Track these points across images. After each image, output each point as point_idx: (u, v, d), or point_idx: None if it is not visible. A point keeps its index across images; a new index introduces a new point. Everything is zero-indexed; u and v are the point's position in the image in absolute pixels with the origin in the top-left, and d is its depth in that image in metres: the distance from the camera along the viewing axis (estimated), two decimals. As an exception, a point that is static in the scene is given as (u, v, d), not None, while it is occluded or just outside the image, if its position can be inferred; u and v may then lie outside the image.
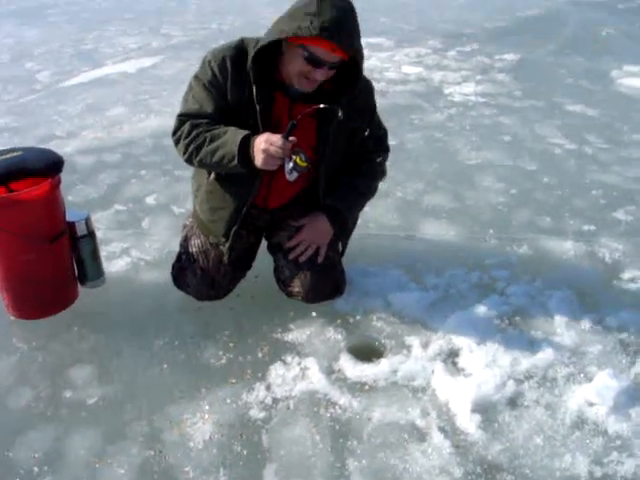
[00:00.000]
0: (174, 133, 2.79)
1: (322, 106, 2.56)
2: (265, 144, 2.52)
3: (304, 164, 2.59)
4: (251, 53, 2.64)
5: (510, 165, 4.77)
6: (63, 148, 4.96)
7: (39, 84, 6.97)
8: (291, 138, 2.52)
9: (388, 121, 3.03)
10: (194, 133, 2.70)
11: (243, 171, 2.65)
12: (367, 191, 3.12)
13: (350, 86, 2.74)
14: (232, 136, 2.61)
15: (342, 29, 2.45)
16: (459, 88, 6.51)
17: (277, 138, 2.52)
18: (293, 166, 2.60)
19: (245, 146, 2.57)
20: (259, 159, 2.55)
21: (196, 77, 2.77)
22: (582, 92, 6.46)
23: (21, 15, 10.16)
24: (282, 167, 2.64)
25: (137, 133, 5.42)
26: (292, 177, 2.66)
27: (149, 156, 4.97)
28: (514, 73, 7.02)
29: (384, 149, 3.14)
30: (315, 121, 2.77)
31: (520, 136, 5.32)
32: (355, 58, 2.59)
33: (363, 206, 3.18)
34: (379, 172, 3.13)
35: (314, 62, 2.54)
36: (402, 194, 4.21)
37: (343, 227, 3.14)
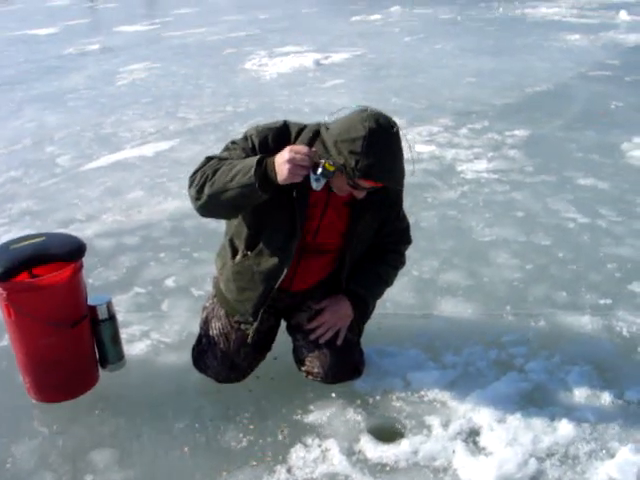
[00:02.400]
0: (195, 172, 2.70)
1: None
2: (290, 153, 2.46)
3: (332, 168, 2.52)
4: (293, 138, 2.70)
5: (524, 241, 4.80)
6: (83, 231, 5.04)
7: (59, 168, 7.10)
8: (313, 149, 2.55)
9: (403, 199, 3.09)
10: (215, 162, 2.65)
11: (258, 194, 2.53)
12: (389, 279, 3.19)
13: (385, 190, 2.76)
14: (250, 158, 2.57)
15: (386, 169, 2.52)
16: (471, 165, 6.57)
17: (302, 146, 2.52)
18: (322, 171, 2.52)
19: (263, 163, 2.53)
20: (284, 170, 2.46)
21: (234, 142, 2.78)
22: (593, 165, 6.51)
23: (42, 100, 10.39)
24: (302, 250, 2.65)
25: (155, 216, 5.49)
26: (319, 185, 2.57)
27: (167, 239, 5.03)
28: (525, 149, 7.09)
29: (407, 241, 3.22)
30: (348, 208, 2.82)
31: (533, 211, 5.35)
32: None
33: (383, 293, 3.22)
34: (401, 262, 3.21)
35: (356, 187, 2.62)
36: (418, 272, 4.24)
37: (363, 312, 3.18)
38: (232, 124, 8.19)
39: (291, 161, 2.45)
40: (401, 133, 2.56)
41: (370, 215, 2.88)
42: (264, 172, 2.52)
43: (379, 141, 2.49)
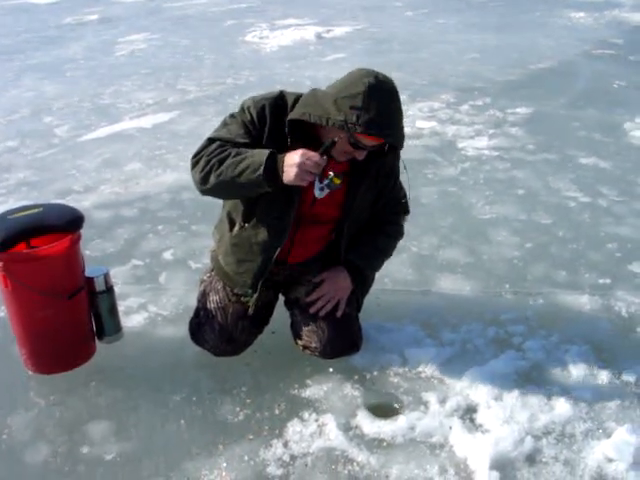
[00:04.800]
0: (197, 153, 2.71)
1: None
2: (301, 158, 2.48)
3: (339, 181, 2.58)
4: (290, 107, 2.69)
5: (524, 219, 4.78)
6: (81, 202, 5.01)
7: (57, 138, 7.06)
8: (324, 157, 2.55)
9: (402, 175, 3.06)
10: (219, 150, 2.64)
11: (263, 188, 2.59)
12: (387, 250, 3.17)
13: (383, 153, 2.76)
14: (259, 151, 2.58)
15: (388, 123, 2.52)
16: (472, 142, 6.54)
17: (314, 154, 2.52)
18: (328, 183, 2.58)
19: (272, 161, 2.54)
20: (292, 172, 2.50)
21: (232, 115, 2.78)
22: (595, 144, 6.48)
23: (40, 69, 10.32)
24: (299, 221, 2.65)
25: (154, 188, 5.47)
26: (321, 194, 2.64)
27: (166, 211, 5.01)
28: (527, 126, 7.06)
29: (405, 211, 3.19)
30: (346, 178, 2.79)
31: (534, 190, 5.33)
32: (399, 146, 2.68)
33: (382, 265, 3.21)
34: (399, 233, 3.18)
35: (358, 147, 2.60)
36: (417, 249, 4.22)
37: (362, 284, 3.17)
38: (232, 97, 8.13)
39: (301, 166, 2.49)
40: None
41: (367, 185, 2.87)
42: (273, 168, 2.54)
43: (379, 96, 2.50)
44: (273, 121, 2.70)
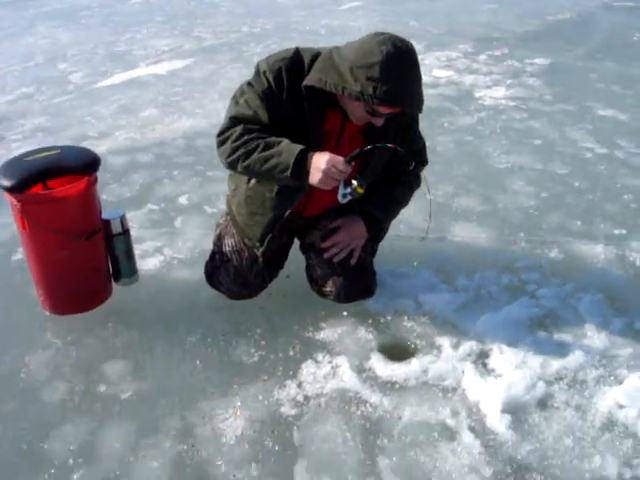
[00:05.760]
0: (222, 132, 2.72)
1: (377, 145, 2.58)
2: (327, 164, 2.49)
3: (361, 191, 2.60)
4: (307, 68, 2.63)
5: (540, 169, 4.76)
6: (96, 148, 4.90)
7: (72, 85, 7.05)
8: (351, 164, 2.54)
9: (419, 126, 3.05)
10: (246, 137, 2.64)
11: (290, 183, 2.63)
12: (403, 200, 3.15)
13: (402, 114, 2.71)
14: (288, 147, 2.57)
15: (405, 94, 2.46)
16: (490, 92, 6.50)
17: (340, 161, 2.50)
18: (350, 191, 2.60)
19: (302, 160, 2.55)
20: (316, 177, 2.52)
21: (249, 84, 2.72)
22: (613, 96, 6.42)
23: (55, 17, 10.27)
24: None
25: (169, 134, 5.46)
26: (344, 200, 2.67)
27: (181, 157, 5.01)
28: (545, 77, 6.99)
29: (423, 161, 3.16)
30: (363, 136, 2.76)
31: (551, 140, 5.30)
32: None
33: (397, 214, 3.20)
34: (416, 182, 3.16)
35: (375, 114, 2.56)
36: (433, 197, 4.19)
37: (377, 233, 3.18)
38: (247, 45, 8.09)
39: (326, 172, 2.50)
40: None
41: (386, 141, 2.82)
42: (300, 169, 2.55)
43: (397, 65, 2.41)
44: (290, 85, 2.64)
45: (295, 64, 2.66)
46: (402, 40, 2.48)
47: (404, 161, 2.91)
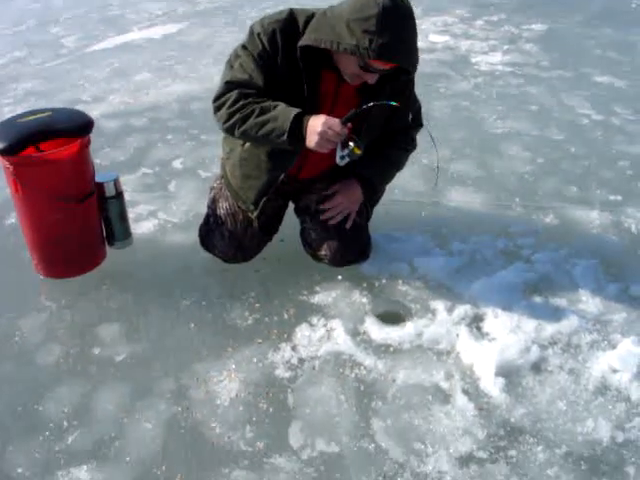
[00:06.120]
0: (217, 98, 2.70)
1: (373, 104, 2.54)
2: (323, 127, 2.47)
3: (359, 151, 2.57)
4: (301, 29, 2.60)
5: (537, 135, 4.74)
6: (90, 112, 4.84)
7: (65, 49, 7.00)
8: (348, 125, 2.51)
9: (415, 89, 3.02)
10: (242, 102, 2.62)
11: (288, 147, 2.61)
12: (399, 163, 3.13)
13: (396, 77, 2.69)
14: (283, 111, 2.55)
15: (402, 49, 2.42)
16: (486, 57, 6.46)
17: (336, 123, 2.48)
18: (348, 153, 2.57)
19: (297, 123, 2.53)
20: (313, 140, 2.50)
21: (244, 47, 2.69)
22: (610, 63, 6.39)
23: (47, -20, 10.17)
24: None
25: (163, 98, 5.42)
26: (342, 162, 2.63)
27: (175, 121, 4.99)
28: (542, 43, 6.95)
29: (418, 124, 3.13)
30: (359, 97, 2.72)
31: (547, 106, 5.27)
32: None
33: (394, 177, 3.18)
34: (411, 145, 3.14)
35: (368, 70, 2.52)
36: (427, 161, 4.19)
37: (372, 195, 3.17)
38: (242, 8, 8.02)
39: (322, 134, 2.47)
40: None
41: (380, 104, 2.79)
42: (296, 133, 2.53)
43: (393, 19, 2.38)
44: (285, 47, 2.61)
45: (289, 25, 2.64)
46: None
47: (401, 120, 2.90)
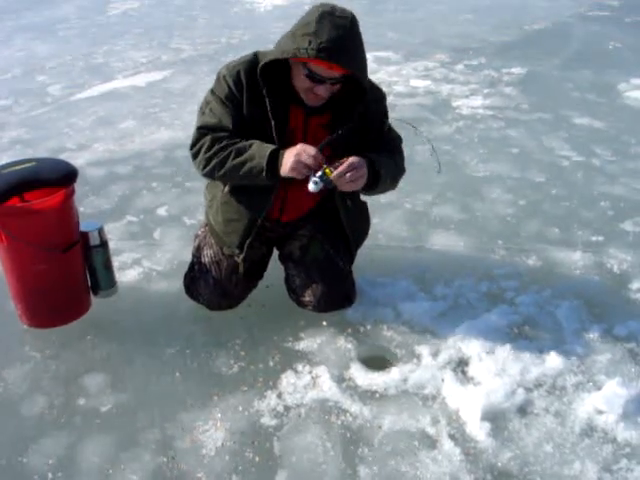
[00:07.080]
0: (193, 145, 2.80)
1: (345, 127, 2.63)
2: (298, 150, 2.56)
3: (331, 174, 2.59)
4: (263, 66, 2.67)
5: (518, 177, 4.79)
6: (74, 160, 4.93)
7: (50, 97, 7.02)
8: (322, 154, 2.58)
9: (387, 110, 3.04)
10: (216, 147, 2.70)
11: (269, 183, 2.69)
12: (398, 168, 3.02)
13: (359, 98, 2.74)
14: (258, 150, 2.64)
15: (340, 49, 2.48)
16: (467, 101, 6.53)
17: (312, 147, 2.57)
18: (320, 176, 2.57)
19: (274, 158, 2.61)
20: (288, 164, 2.56)
21: (212, 92, 2.80)
22: (589, 105, 6.48)
23: (32, 29, 10.24)
24: (289, 180, 2.65)
25: (148, 146, 5.45)
26: (315, 188, 2.60)
27: (160, 168, 5.00)
28: (521, 86, 7.05)
29: (400, 150, 3.06)
30: (327, 131, 2.76)
31: (528, 148, 5.33)
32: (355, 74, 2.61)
33: (391, 178, 2.95)
34: (402, 157, 3.06)
35: (315, 79, 2.58)
36: (411, 205, 4.23)
37: (375, 182, 2.85)
38: (226, 55, 8.05)
39: (297, 156, 2.55)
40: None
41: (350, 136, 2.78)
42: (274, 168, 2.62)
43: (333, 21, 2.49)
44: (250, 86, 2.71)
45: (253, 65, 2.72)
46: (344, 7, 2.58)
47: (378, 131, 2.94)
